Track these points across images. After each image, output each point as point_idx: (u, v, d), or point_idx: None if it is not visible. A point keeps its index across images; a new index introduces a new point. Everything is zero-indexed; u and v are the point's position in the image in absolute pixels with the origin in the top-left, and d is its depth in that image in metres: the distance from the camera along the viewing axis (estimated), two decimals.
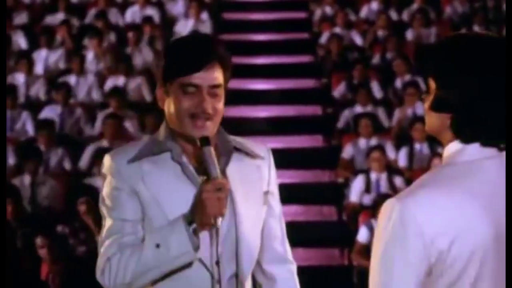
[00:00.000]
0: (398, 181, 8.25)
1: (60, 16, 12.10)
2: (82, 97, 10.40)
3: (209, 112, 2.50)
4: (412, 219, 1.97)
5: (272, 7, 13.02)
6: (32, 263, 6.05)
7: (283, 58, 11.69)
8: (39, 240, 6.08)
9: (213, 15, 12.43)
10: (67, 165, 8.99)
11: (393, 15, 12.27)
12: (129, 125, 9.57)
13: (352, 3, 12.68)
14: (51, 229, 6.43)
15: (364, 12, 12.46)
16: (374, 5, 12.41)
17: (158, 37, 11.54)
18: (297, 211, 8.69)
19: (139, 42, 11.26)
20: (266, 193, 2.65)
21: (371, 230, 7.11)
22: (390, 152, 8.89)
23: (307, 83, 11.20)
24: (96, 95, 10.47)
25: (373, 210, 7.24)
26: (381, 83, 10.40)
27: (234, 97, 9.01)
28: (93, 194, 6.32)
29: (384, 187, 8.20)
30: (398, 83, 10.37)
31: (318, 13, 12.60)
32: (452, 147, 2.07)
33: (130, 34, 11.30)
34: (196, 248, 2.44)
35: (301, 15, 12.94)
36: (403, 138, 9.17)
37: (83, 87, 10.48)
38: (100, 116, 9.64)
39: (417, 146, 8.87)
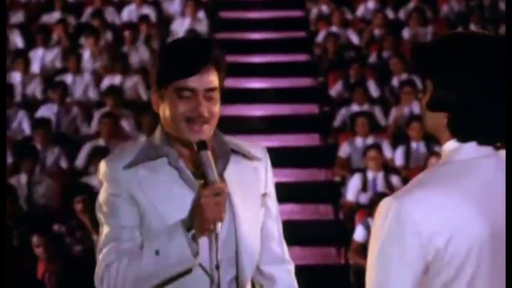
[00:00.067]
0: (395, 180, 8.24)
1: (56, 15, 12.09)
2: (79, 96, 10.40)
3: (206, 115, 2.47)
4: (409, 218, 1.97)
5: (269, 5, 13.02)
6: (29, 262, 6.03)
7: (280, 56, 11.68)
8: (35, 239, 6.07)
9: (209, 13, 12.43)
10: (63, 164, 8.98)
11: (390, 13, 12.28)
12: (126, 124, 9.56)
13: (348, 1, 12.67)
14: (47, 228, 6.41)
15: (360, 10, 12.46)
16: (371, 4, 12.41)
17: (155, 36, 11.55)
18: (294, 210, 8.68)
19: (136, 41, 11.25)
20: (264, 195, 2.63)
21: (367, 229, 7.10)
22: (387, 151, 8.89)
23: (303, 81, 11.19)
24: (92, 94, 10.46)
25: (369, 209, 7.24)
26: (377, 82, 10.39)
27: (230, 96, 9.03)
28: (90, 193, 6.34)
29: (380, 186, 8.19)
30: (395, 81, 10.37)
31: (314, 11, 12.60)
32: (449, 146, 2.07)
33: (127, 33, 11.29)
34: (196, 254, 2.42)
35: (298, 13, 12.94)
36: (399, 137, 9.17)
37: (80, 86, 10.48)
38: (97, 115, 9.63)
39: (413, 145, 8.87)
